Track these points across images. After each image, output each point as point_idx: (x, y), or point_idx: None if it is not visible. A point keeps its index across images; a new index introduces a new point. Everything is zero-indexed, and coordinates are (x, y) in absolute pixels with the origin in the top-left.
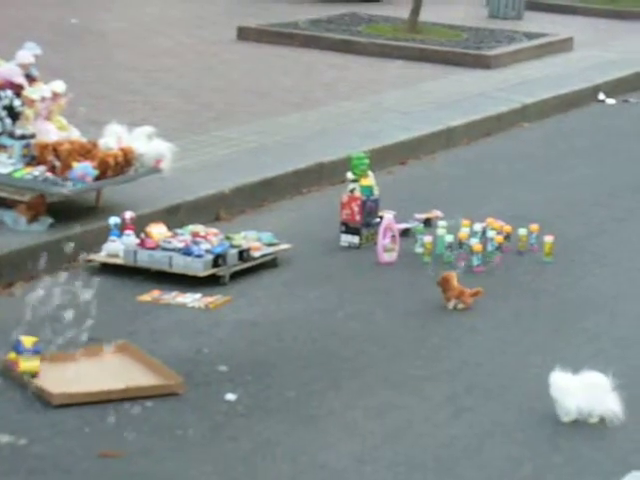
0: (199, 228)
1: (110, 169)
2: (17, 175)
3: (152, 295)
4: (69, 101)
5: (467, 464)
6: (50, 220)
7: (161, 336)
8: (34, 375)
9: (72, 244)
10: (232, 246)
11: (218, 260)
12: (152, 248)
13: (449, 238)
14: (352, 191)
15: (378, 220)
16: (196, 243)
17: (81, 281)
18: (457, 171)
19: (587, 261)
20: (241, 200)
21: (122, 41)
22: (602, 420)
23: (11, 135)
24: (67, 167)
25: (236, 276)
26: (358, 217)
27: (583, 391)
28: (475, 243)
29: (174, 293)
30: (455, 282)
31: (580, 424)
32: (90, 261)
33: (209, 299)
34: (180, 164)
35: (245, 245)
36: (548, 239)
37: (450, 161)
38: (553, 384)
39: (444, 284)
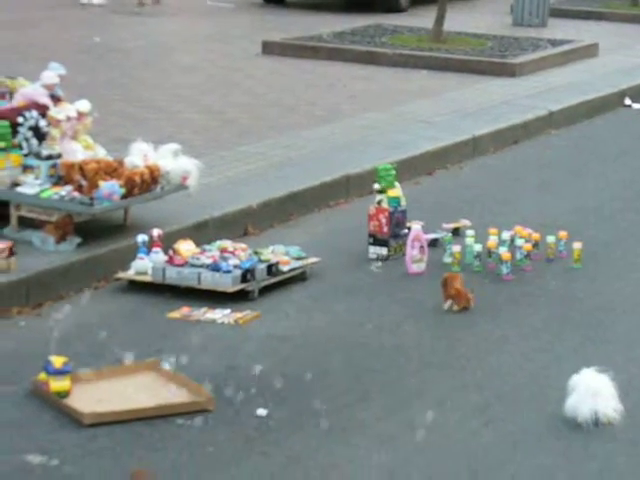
0: (227, 244)
1: (137, 187)
2: (44, 195)
3: (181, 312)
4: (94, 120)
5: (500, 474)
6: (78, 239)
7: (191, 353)
8: (65, 395)
9: None
10: (260, 261)
11: (247, 275)
12: (180, 265)
13: (477, 247)
14: (379, 203)
15: (406, 231)
16: (224, 259)
17: (110, 300)
18: (484, 180)
19: (616, 267)
20: (268, 214)
21: (146, 59)
22: (583, 422)
23: (37, 156)
24: (94, 186)
25: (265, 291)
26: (386, 229)
27: (577, 390)
28: (504, 252)
29: (203, 309)
30: (456, 283)
31: (616, 430)
32: (119, 279)
33: (238, 314)
34: (206, 180)
35: (273, 259)
36: (577, 246)
37: (477, 170)
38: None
39: (443, 284)
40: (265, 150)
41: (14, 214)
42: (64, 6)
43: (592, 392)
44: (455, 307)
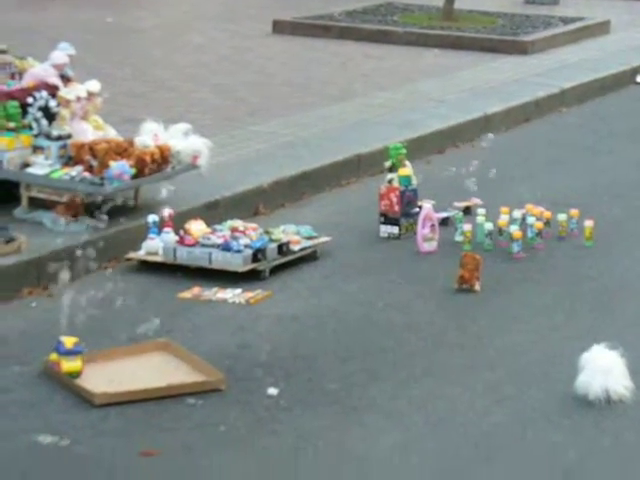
0: (238, 223)
1: (147, 167)
2: (54, 176)
3: (192, 292)
4: (105, 100)
5: (511, 452)
6: (89, 220)
7: (202, 333)
8: (76, 375)
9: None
10: (271, 240)
11: (257, 255)
12: (191, 245)
13: (489, 226)
14: (390, 182)
15: (417, 210)
16: (235, 238)
17: (121, 280)
18: (495, 158)
19: (628, 244)
20: (280, 194)
21: (157, 38)
22: (594, 400)
23: (47, 136)
24: (104, 166)
25: (276, 270)
26: (397, 207)
27: (587, 368)
28: (515, 230)
29: (214, 289)
30: (470, 262)
31: (627, 407)
32: (129, 259)
33: (249, 294)
34: (217, 160)
35: (284, 239)
36: (588, 224)
37: (488, 148)
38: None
39: (460, 262)
40: (276, 129)
41: (25, 195)
42: None
43: (603, 370)
44: (455, 285)
